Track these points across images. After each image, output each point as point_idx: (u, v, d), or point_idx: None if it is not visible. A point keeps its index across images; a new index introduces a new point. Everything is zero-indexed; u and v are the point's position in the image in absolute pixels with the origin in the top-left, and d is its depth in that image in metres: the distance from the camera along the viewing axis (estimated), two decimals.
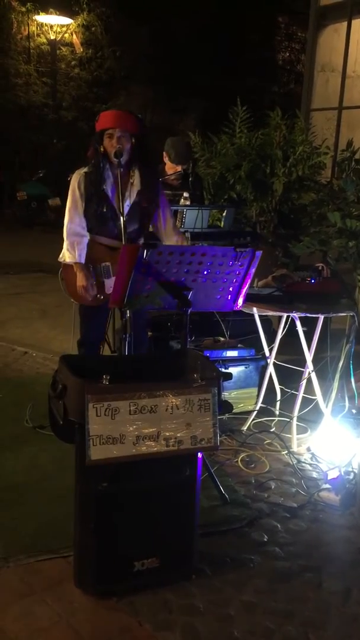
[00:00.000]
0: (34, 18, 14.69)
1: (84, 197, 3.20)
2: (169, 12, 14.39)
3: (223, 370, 3.49)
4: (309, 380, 3.52)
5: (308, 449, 3.45)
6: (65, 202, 3.31)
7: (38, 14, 14.53)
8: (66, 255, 3.26)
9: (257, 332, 3.79)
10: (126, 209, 3.14)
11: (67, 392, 2.18)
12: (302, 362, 3.53)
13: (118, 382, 2.14)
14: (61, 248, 3.32)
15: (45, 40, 15.11)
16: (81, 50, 15.39)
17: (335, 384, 3.57)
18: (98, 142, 3.14)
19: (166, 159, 4.48)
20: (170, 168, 4.50)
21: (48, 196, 12.69)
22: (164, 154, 4.49)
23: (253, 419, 3.74)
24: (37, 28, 15.01)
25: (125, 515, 2.22)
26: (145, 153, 3.22)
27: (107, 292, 3.24)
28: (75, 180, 3.22)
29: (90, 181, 3.18)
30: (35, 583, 2.31)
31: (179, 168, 4.52)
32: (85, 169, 3.23)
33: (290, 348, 3.82)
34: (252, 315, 3.69)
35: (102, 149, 3.14)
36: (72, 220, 3.23)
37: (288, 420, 3.59)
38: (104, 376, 2.12)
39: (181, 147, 4.50)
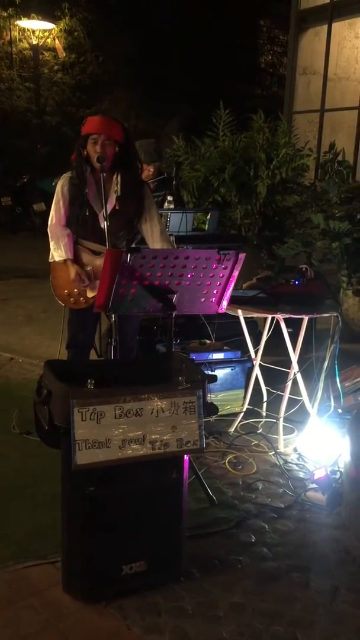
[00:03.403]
0: (15, 23, 14.63)
1: (67, 200, 3.26)
2: (152, 17, 14.42)
3: (209, 372, 3.51)
4: (295, 381, 3.55)
5: (295, 450, 3.47)
6: (50, 207, 3.35)
7: (20, 19, 14.47)
8: (54, 255, 3.31)
9: (242, 334, 3.81)
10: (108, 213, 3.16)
11: (52, 397, 2.18)
12: (288, 363, 3.55)
13: (103, 386, 2.14)
14: (47, 253, 3.38)
15: (27, 46, 15.05)
16: (64, 55, 15.35)
17: (321, 384, 3.60)
18: (82, 146, 3.16)
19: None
20: (144, 170, 4.52)
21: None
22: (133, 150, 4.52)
23: (240, 421, 3.75)
24: (19, 33, 14.94)
25: (113, 520, 2.22)
26: (128, 160, 3.23)
27: (90, 295, 3.26)
28: (60, 184, 3.28)
29: (73, 185, 3.21)
30: (23, 589, 2.30)
31: (152, 168, 4.56)
32: (69, 173, 3.26)
33: (276, 349, 3.84)
34: (238, 317, 3.71)
35: (85, 153, 3.16)
36: (54, 220, 3.30)
37: (274, 421, 3.61)
38: (89, 381, 2.12)
39: (149, 146, 4.55)
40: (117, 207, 3.21)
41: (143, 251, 2.58)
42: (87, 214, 3.21)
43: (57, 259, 3.30)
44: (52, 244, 3.30)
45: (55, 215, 3.29)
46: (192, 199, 6.27)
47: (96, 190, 3.20)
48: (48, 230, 3.31)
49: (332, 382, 3.60)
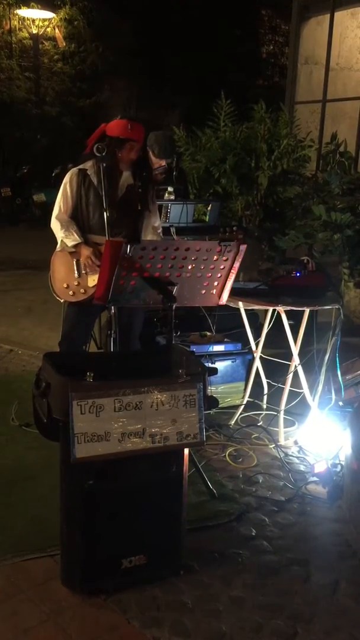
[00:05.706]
0: (15, 12, 14.54)
1: (74, 193, 3.25)
2: (152, 7, 14.31)
3: (209, 365, 3.49)
4: (296, 373, 3.53)
5: (295, 442, 3.46)
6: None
7: (20, 8, 14.37)
8: (66, 242, 3.25)
9: (243, 326, 3.78)
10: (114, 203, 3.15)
11: (50, 390, 2.16)
12: (289, 356, 3.53)
13: (102, 379, 2.12)
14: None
15: (27, 35, 14.95)
16: (64, 44, 15.26)
17: (322, 377, 3.58)
18: (118, 148, 3.14)
19: (150, 154, 4.46)
20: (155, 163, 4.48)
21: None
22: (147, 149, 4.46)
23: (240, 413, 3.74)
24: (19, 22, 14.85)
25: (112, 513, 2.20)
26: (144, 159, 3.32)
27: (91, 284, 3.23)
28: (68, 177, 3.27)
29: (83, 178, 3.22)
30: (22, 582, 2.29)
31: (163, 162, 4.50)
32: (88, 165, 3.24)
33: (276, 341, 3.82)
34: (239, 309, 3.68)
35: (119, 155, 3.15)
36: (61, 210, 3.28)
37: (275, 413, 3.60)
38: (88, 373, 2.10)
39: (164, 141, 4.48)
40: (125, 200, 3.22)
41: (143, 242, 2.56)
42: (97, 206, 3.20)
43: (70, 244, 3.23)
44: (62, 233, 3.25)
45: (63, 206, 3.27)
46: (193, 190, 6.23)
47: (104, 181, 3.18)
48: (55, 219, 3.27)
49: (333, 374, 3.58)
